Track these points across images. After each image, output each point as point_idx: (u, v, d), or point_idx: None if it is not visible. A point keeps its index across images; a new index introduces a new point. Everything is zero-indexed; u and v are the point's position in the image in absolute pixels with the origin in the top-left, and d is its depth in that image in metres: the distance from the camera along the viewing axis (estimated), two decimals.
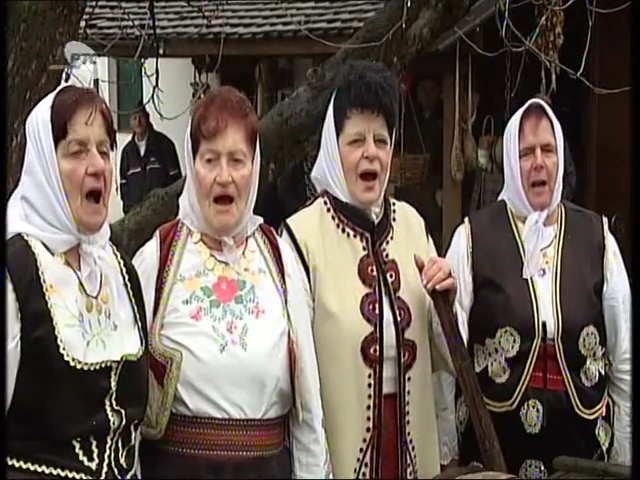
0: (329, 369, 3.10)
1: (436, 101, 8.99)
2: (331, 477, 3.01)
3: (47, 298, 2.46)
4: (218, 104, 2.86)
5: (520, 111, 3.58)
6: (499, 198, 3.69)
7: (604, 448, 3.57)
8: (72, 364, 2.46)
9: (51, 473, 2.46)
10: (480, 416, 3.19)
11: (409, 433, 3.22)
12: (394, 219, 3.32)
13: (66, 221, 2.53)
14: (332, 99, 3.25)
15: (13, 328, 2.42)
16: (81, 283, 2.55)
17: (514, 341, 3.47)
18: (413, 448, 3.24)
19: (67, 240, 2.55)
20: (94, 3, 6.03)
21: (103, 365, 2.52)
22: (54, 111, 2.54)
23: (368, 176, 3.19)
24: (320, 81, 4.43)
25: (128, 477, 2.59)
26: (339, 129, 3.21)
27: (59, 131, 2.52)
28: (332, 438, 3.07)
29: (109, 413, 2.53)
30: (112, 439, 2.55)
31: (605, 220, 3.67)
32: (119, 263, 2.70)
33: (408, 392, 3.21)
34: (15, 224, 2.52)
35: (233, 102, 2.86)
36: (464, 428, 3.58)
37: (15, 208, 2.55)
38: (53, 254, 2.52)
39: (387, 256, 3.25)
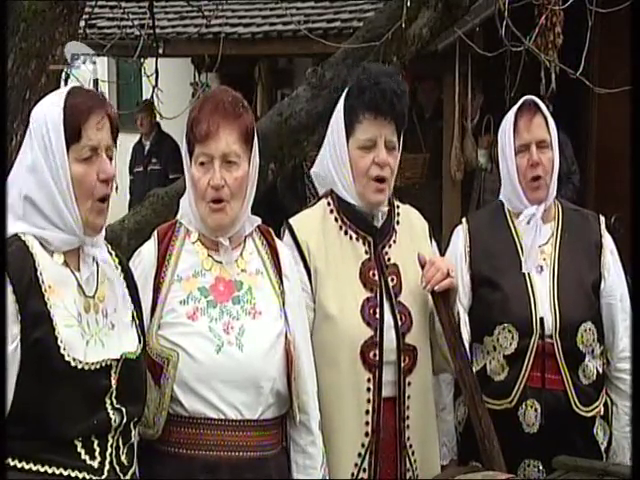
0: (328, 372, 3.09)
1: (436, 101, 8.97)
2: None
3: (46, 299, 2.45)
4: (210, 106, 2.84)
5: (514, 108, 3.58)
6: (499, 198, 3.70)
7: (602, 447, 3.57)
8: (73, 364, 2.45)
9: (53, 473, 2.46)
10: (480, 415, 3.19)
11: (409, 437, 3.19)
12: (397, 222, 3.30)
13: (72, 223, 2.52)
14: (343, 99, 3.21)
15: (13, 329, 2.41)
16: (79, 284, 2.54)
17: (512, 338, 3.48)
18: (413, 453, 3.21)
19: (69, 241, 2.54)
20: (94, 3, 6.04)
21: (103, 364, 2.52)
22: (67, 113, 2.51)
23: (378, 180, 3.18)
24: (320, 81, 4.43)
25: (129, 474, 2.60)
26: (349, 131, 3.18)
27: (73, 135, 2.50)
28: (329, 442, 3.05)
29: (110, 411, 2.53)
30: (113, 437, 2.55)
31: (602, 219, 3.68)
32: (114, 261, 2.69)
33: (408, 397, 3.18)
34: (11, 224, 2.50)
35: (225, 103, 2.84)
36: (463, 428, 3.58)
37: (10, 207, 2.52)
38: (51, 254, 2.52)
39: (389, 260, 3.23)
